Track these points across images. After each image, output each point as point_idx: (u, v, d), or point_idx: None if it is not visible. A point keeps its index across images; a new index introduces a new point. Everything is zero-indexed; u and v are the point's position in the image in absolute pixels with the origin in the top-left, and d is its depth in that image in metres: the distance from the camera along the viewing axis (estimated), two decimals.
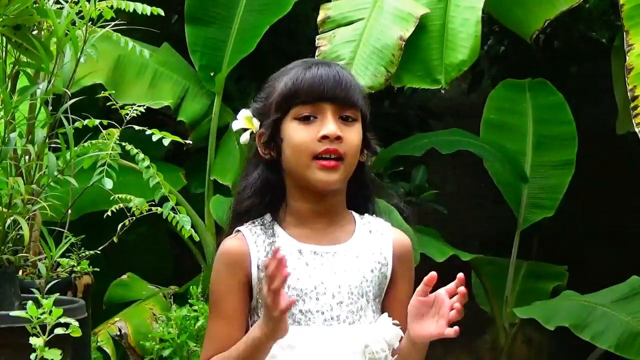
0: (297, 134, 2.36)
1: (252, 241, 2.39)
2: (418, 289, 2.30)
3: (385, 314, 2.40)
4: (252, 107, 2.46)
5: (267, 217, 2.42)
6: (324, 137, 2.33)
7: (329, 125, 2.34)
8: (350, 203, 2.47)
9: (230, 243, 2.40)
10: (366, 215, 2.47)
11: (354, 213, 2.47)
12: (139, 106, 3.38)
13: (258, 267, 2.36)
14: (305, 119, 2.36)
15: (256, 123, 2.44)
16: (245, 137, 2.44)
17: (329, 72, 2.38)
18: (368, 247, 2.42)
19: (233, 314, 2.38)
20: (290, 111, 2.37)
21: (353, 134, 2.37)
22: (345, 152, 2.35)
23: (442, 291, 2.29)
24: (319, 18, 4.49)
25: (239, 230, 2.40)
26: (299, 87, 2.37)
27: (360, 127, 2.40)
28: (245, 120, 2.44)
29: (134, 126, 3.34)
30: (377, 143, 2.47)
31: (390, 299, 2.43)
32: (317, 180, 2.35)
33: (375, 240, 2.43)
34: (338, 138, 2.34)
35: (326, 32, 4.43)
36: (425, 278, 2.28)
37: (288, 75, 2.40)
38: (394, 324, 2.38)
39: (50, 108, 3.20)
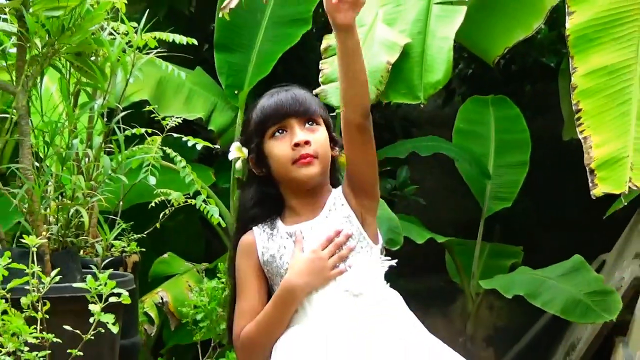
0: (276, 148, 2.40)
1: (257, 234, 2.44)
2: None
3: (361, 257, 2.38)
4: (239, 139, 2.51)
5: (275, 217, 2.45)
6: (297, 145, 2.37)
7: (297, 134, 2.38)
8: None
9: (243, 237, 2.47)
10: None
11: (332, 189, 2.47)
12: (177, 118, 3.38)
13: (262, 253, 2.41)
14: (279, 133, 2.40)
15: (245, 151, 2.48)
16: (239, 164, 2.50)
17: (287, 95, 2.43)
18: (332, 208, 2.42)
19: (254, 291, 2.42)
20: (266, 133, 2.42)
21: (318, 135, 2.41)
22: (316, 150, 2.39)
23: None
24: (322, 46, 4.48)
25: (251, 228, 2.46)
26: (267, 112, 2.42)
27: (324, 129, 2.43)
28: (237, 151, 2.48)
29: (173, 134, 3.34)
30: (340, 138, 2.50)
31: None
32: (301, 177, 2.39)
33: (334, 199, 2.43)
34: (307, 142, 2.38)
35: (328, 57, 4.42)
36: None
37: (258, 106, 2.46)
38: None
39: (105, 119, 3.20)
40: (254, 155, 2.45)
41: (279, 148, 2.39)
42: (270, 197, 2.45)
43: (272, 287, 2.42)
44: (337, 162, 2.50)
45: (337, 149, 2.47)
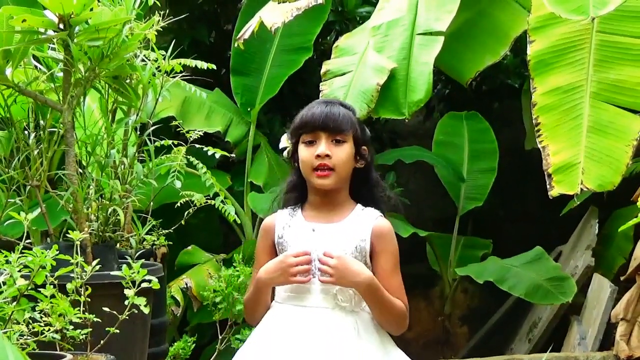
0: (303, 153, 2.41)
1: (279, 219, 2.45)
2: None
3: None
4: (287, 132, 2.49)
5: (298, 206, 2.46)
6: (318, 156, 2.37)
7: (320, 147, 2.37)
8: (355, 195, 2.45)
9: (266, 219, 2.49)
10: (368, 207, 2.44)
11: (358, 204, 2.44)
12: (199, 131, 3.38)
13: (278, 235, 2.42)
14: (308, 143, 2.40)
15: (289, 143, 2.46)
16: (285, 152, 2.49)
17: (324, 110, 2.40)
18: (352, 228, 2.40)
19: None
20: (300, 137, 2.42)
21: (341, 152, 2.38)
22: (334, 164, 2.37)
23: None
24: (322, 70, 4.48)
25: (276, 211, 2.48)
26: (304, 122, 2.41)
27: (349, 145, 2.40)
28: (285, 141, 2.49)
29: (196, 145, 3.35)
30: (370, 153, 2.47)
31: (375, 268, 2.39)
32: (316, 184, 2.39)
33: (360, 223, 2.41)
34: (327, 156, 2.37)
35: (327, 80, 4.42)
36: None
37: (301, 112, 2.45)
38: None
39: (138, 132, 3.20)
40: (292, 150, 2.46)
41: (305, 154, 2.39)
42: (301, 185, 2.45)
43: None
44: (369, 170, 2.44)
45: (361, 161, 2.42)
